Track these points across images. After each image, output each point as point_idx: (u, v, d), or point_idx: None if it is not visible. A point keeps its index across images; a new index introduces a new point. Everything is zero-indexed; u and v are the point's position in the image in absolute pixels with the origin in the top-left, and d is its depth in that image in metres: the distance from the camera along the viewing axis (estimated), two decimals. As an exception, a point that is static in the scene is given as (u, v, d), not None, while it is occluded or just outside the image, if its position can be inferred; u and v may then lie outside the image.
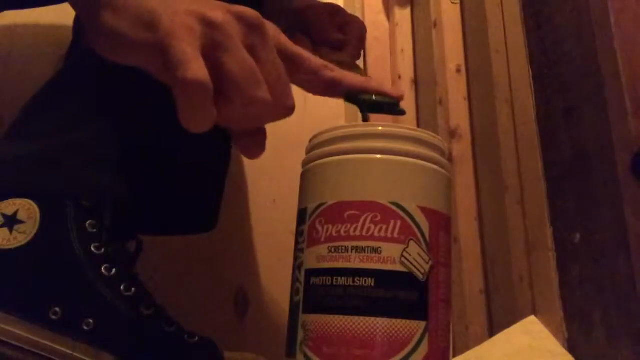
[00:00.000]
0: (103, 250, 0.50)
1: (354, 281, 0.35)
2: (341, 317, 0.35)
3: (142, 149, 0.53)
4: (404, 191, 0.37)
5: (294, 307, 0.38)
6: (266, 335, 0.89)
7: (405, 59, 1.03)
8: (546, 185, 0.67)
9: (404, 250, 0.36)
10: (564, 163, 0.65)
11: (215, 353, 0.53)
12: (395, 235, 0.36)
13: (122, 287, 0.49)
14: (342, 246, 0.36)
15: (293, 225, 0.97)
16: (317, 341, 0.35)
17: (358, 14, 1.10)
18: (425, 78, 0.98)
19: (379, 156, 0.38)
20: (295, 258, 0.40)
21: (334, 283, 0.36)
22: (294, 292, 0.39)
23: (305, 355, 0.36)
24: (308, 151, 0.43)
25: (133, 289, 0.50)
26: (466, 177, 0.81)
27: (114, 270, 0.49)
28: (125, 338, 0.48)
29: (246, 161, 0.96)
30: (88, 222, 0.50)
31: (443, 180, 0.40)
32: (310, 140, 0.43)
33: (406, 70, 1.02)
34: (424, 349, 0.35)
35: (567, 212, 0.64)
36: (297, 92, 1.19)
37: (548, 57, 0.70)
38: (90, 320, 0.47)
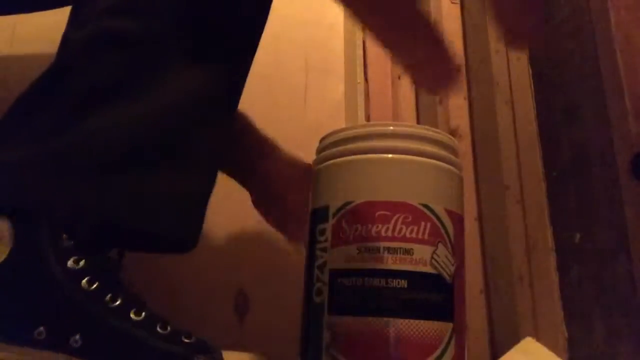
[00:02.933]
0: (82, 263, 0.48)
1: (387, 283, 0.35)
2: (375, 318, 0.35)
3: (119, 161, 0.50)
4: (433, 193, 0.37)
5: (314, 308, 0.37)
6: (266, 335, 0.89)
7: (405, 59, 1.03)
8: (546, 185, 0.67)
9: (434, 252, 0.36)
10: (564, 163, 0.65)
11: (214, 354, 0.53)
12: (426, 237, 0.36)
13: (107, 299, 0.48)
14: (374, 247, 0.36)
15: (293, 225, 0.97)
16: (348, 344, 0.35)
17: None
18: (425, 78, 0.98)
19: (410, 157, 0.38)
20: (314, 257, 0.38)
21: (366, 284, 0.35)
22: (313, 292, 0.38)
23: (335, 359, 0.35)
24: (324, 148, 0.41)
25: (119, 298, 0.48)
26: (466, 177, 0.81)
27: (96, 283, 0.48)
28: (118, 348, 0.47)
29: (246, 161, 0.96)
30: (64, 235, 0.48)
31: (460, 182, 0.40)
32: (325, 138, 0.42)
33: (406, 70, 1.02)
34: (452, 349, 0.35)
35: (567, 212, 0.64)
36: (296, 90, 1.19)
37: (548, 57, 0.70)
38: (77, 336, 0.46)
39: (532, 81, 0.72)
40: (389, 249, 0.36)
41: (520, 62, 0.74)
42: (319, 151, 0.42)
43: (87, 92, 0.51)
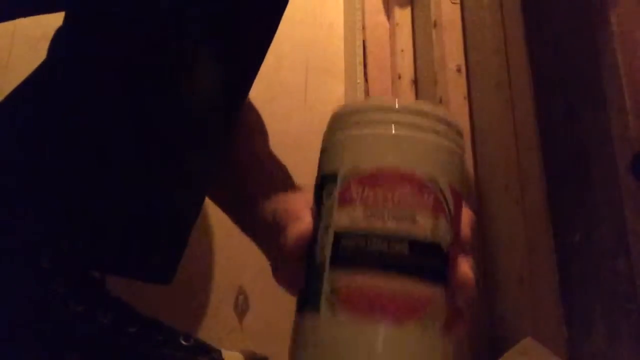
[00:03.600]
0: (65, 285, 0.46)
1: (389, 246, 0.37)
2: (375, 275, 0.37)
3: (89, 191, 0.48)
4: (439, 168, 0.39)
5: (316, 266, 0.39)
6: (266, 335, 0.89)
7: (405, 59, 1.03)
8: (546, 185, 0.67)
9: (435, 222, 0.38)
10: (564, 163, 0.65)
11: (213, 354, 0.53)
12: (429, 207, 0.38)
13: (97, 316, 0.47)
14: (379, 211, 0.37)
15: (293, 225, 0.97)
16: (347, 295, 0.37)
17: (358, 14, 1.10)
18: (425, 78, 0.98)
19: (420, 133, 0.40)
20: (319, 219, 0.40)
21: (368, 246, 0.37)
22: (316, 252, 0.39)
23: (332, 307, 0.37)
24: (335, 119, 0.43)
25: (110, 313, 0.47)
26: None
27: (82, 303, 0.47)
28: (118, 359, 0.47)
29: (246, 161, 0.96)
30: (44, 258, 0.46)
31: (463, 162, 0.42)
32: (337, 111, 0.44)
33: (406, 70, 1.02)
34: (445, 310, 0.38)
35: (567, 212, 0.64)
36: (296, 90, 1.19)
37: (548, 57, 0.70)
38: (72, 358, 0.45)
39: (532, 81, 0.72)
40: (393, 215, 0.37)
41: (520, 62, 0.74)
42: (330, 123, 0.44)
43: (79, 98, 0.49)
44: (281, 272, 0.49)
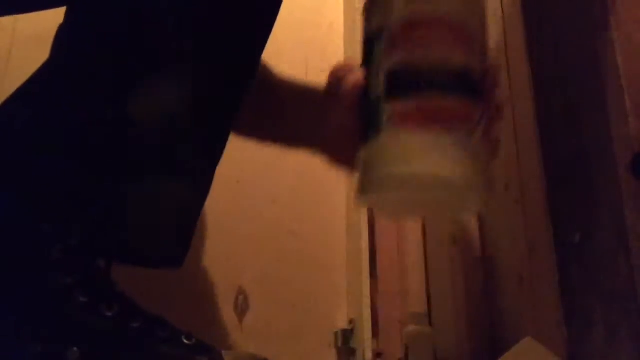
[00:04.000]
0: (72, 276, 0.47)
1: (433, 75, 0.45)
2: (423, 98, 0.45)
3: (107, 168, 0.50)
4: (470, 17, 0.48)
5: (373, 102, 0.47)
6: (266, 335, 0.89)
7: (405, 59, 1.03)
8: (546, 185, 0.67)
9: (468, 56, 0.46)
10: (564, 163, 0.65)
11: (213, 354, 0.53)
12: (464, 44, 0.46)
13: (102, 309, 0.47)
14: (423, 50, 0.46)
15: (293, 225, 0.98)
16: (403, 116, 0.44)
17: (358, 14, 1.10)
18: (425, 78, 0.97)
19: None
20: (371, 66, 0.48)
21: (416, 77, 0.45)
22: (371, 93, 0.47)
23: (392, 127, 0.45)
24: None
25: (115, 306, 0.48)
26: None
27: (88, 294, 0.47)
28: (118, 356, 0.47)
29: (246, 161, 0.96)
30: (52, 248, 0.47)
31: (486, 17, 0.51)
32: None
33: (406, 70, 1.02)
34: (480, 126, 0.46)
35: (567, 212, 0.64)
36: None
37: (548, 57, 0.70)
38: (75, 349, 0.46)
39: (532, 81, 0.72)
40: (434, 51, 0.46)
41: (520, 62, 0.74)
42: None
43: (81, 95, 0.51)
44: (342, 150, 0.54)
